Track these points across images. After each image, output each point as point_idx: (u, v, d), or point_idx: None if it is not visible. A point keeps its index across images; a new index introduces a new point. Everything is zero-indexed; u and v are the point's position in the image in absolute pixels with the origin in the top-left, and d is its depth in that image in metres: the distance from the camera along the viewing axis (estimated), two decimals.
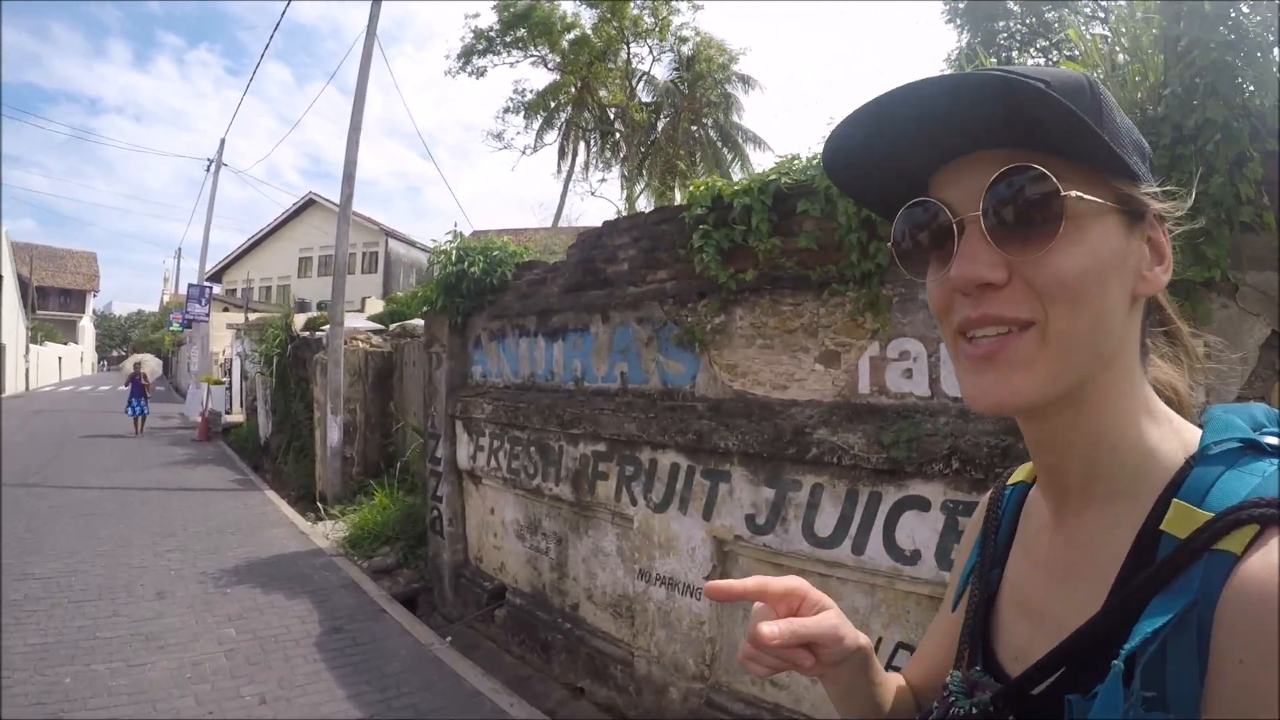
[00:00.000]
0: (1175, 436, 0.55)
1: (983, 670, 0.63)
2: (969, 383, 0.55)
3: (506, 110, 21.54)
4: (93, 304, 52.43)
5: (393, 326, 11.09)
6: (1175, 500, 0.50)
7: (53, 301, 45.48)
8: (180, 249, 41.54)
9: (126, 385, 17.11)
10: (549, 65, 20.93)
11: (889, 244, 0.62)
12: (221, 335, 22.53)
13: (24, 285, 31.16)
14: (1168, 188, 0.58)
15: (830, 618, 0.66)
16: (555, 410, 4.47)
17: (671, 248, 3.78)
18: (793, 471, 3.08)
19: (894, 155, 0.57)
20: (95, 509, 8.29)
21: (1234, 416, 0.54)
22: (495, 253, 5.53)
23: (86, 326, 50.68)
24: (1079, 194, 0.51)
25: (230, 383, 18.64)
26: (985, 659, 0.64)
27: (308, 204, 33.83)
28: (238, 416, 17.91)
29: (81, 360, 48.05)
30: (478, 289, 5.44)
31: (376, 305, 25.87)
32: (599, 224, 4.56)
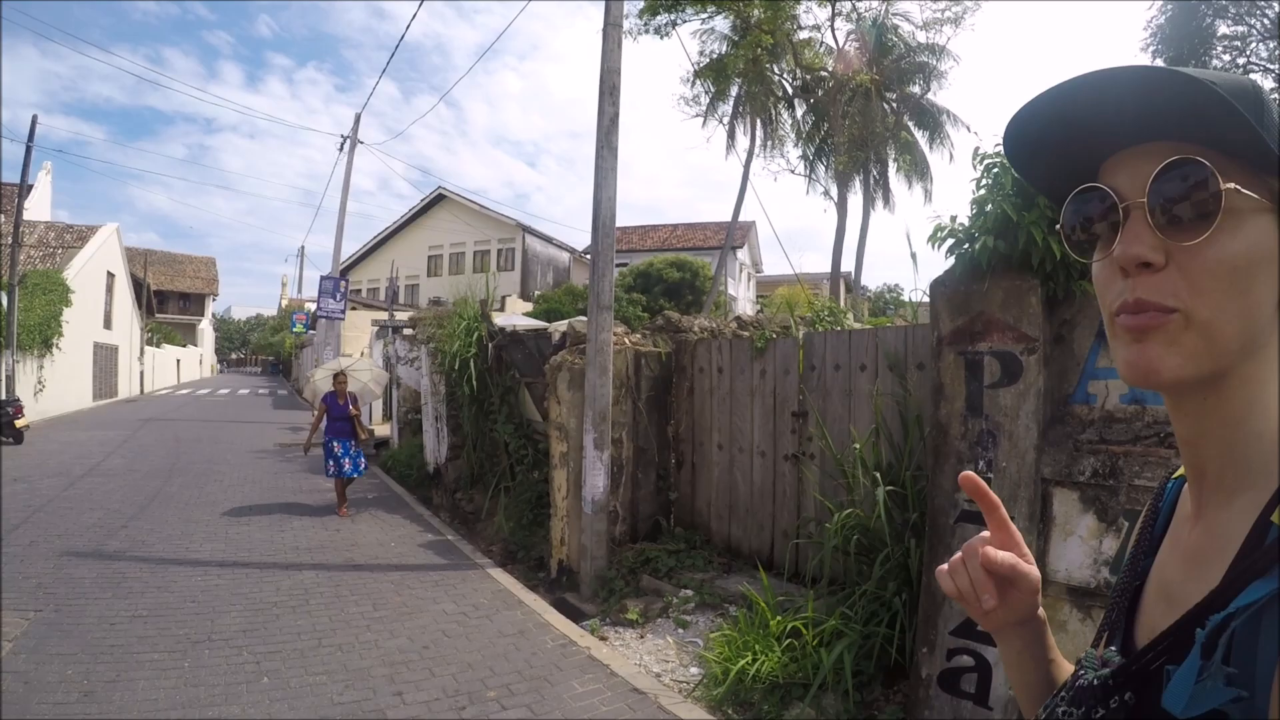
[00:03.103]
0: None
1: (1118, 651, 0.62)
2: (1122, 356, 0.56)
3: (697, 75, 18.23)
4: (211, 308, 52.53)
5: (656, 319, 7.48)
6: None
7: (172, 305, 45.71)
8: (303, 247, 40.39)
9: (316, 411, 8.83)
10: (749, 21, 17.55)
11: (1057, 227, 0.64)
12: (356, 336, 19.83)
13: (139, 287, 29.93)
14: None
15: (1035, 573, 0.71)
16: None
17: None
18: None
19: (1070, 142, 0.59)
20: (214, 625, 4.72)
21: None
22: None
23: (205, 329, 50.83)
24: (1237, 187, 0.52)
25: None
26: (1124, 641, 0.64)
27: (437, 199, 31.52)
28: (382, 427, 14.92)
29: (200, 363, 48.06)
30: None
31: (518, 304, 22.84)
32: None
